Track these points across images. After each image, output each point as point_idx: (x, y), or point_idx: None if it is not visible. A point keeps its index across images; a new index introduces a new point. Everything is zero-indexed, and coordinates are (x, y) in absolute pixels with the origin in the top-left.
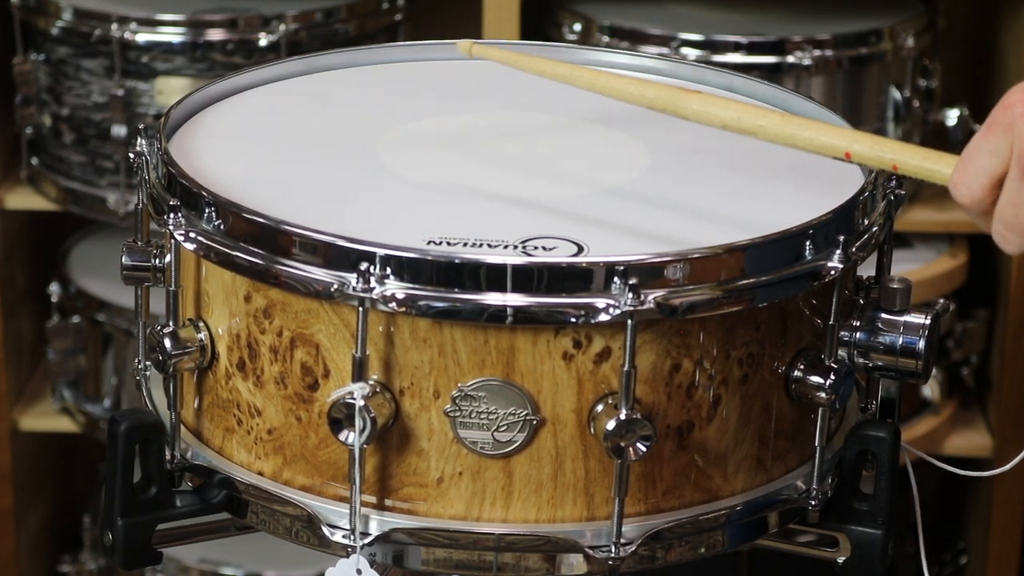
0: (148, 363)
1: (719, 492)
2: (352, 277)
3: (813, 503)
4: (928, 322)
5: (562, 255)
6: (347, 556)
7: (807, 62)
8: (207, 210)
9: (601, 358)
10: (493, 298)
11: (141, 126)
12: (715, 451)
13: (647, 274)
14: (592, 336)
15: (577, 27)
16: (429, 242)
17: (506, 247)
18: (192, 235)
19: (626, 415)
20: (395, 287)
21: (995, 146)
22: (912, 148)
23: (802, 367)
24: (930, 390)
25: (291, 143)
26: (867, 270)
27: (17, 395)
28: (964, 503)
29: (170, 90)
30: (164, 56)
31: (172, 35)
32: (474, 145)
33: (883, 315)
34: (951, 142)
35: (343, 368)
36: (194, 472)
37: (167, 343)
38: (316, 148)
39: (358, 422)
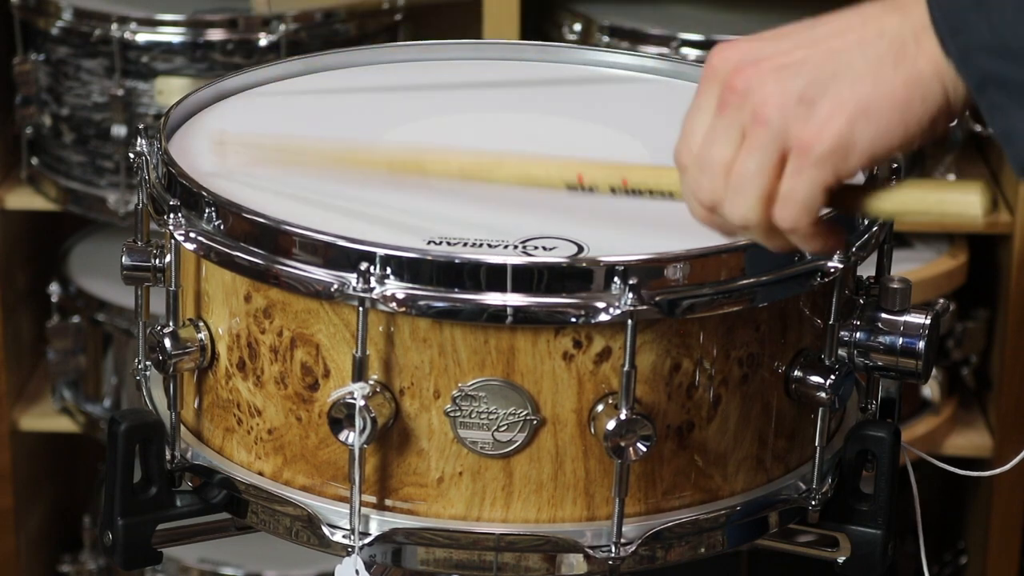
0: (148, 363)
1: (719, 492)
2: (352, 277)
3: (813, 503)
4: (928, 322)
5: (562, 255)
6: (347, 556)
7: None
8: (207, 210)
9: (601, 358)
10: (493, 298)
11: (141, 126)
12: (715, 451)
13: (647, 274)
14: (592, 336)
15: (577, 27)
16: (429, 242)
17: (506, 247)
18: (192, 235)
19: (626, 415)
20: (395, 287)
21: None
22: (640, 167)
23: (802, 367)
24: (930, 390)
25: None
26: (867, 270)
27: (17, 395)
28: (964, 503)
29: (170, 90)
30: (164, 56)
31: (172, 35)
32: (474, 145)
33: (883, 315)
34: (951, 141)
35: (343, 368)
36: (194, 472)
37: (167, 343)
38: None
39: (358, 422)
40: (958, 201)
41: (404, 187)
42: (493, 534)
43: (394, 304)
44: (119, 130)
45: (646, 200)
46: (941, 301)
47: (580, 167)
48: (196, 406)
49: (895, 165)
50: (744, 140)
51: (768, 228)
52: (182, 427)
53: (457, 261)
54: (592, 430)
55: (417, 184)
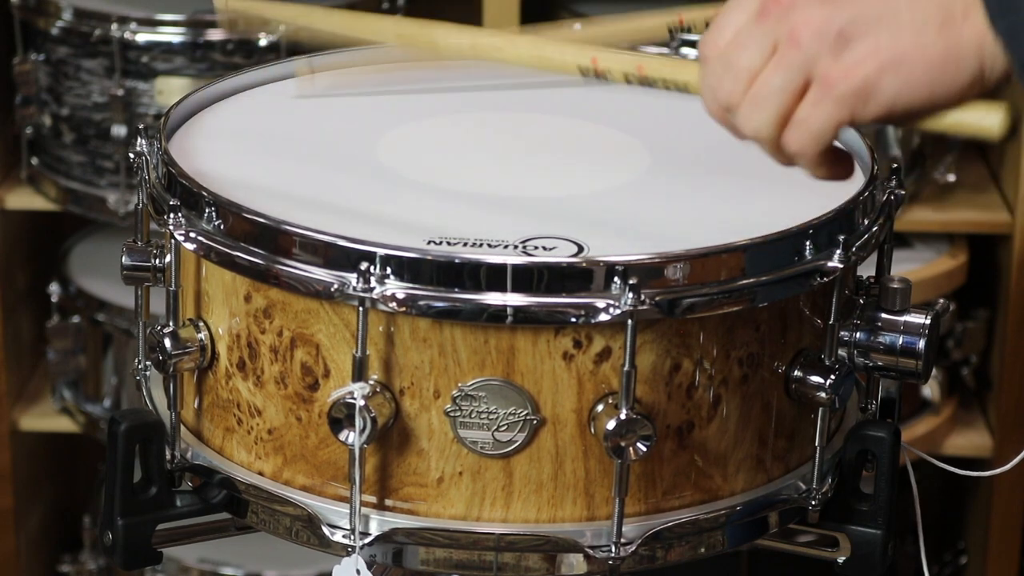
0: (148, 363)
1: (719, 492)
2: (352, 277)
3: (813, 503)
4: (928, 322)
5: (562, 255)
6: (347, 556)
7: None
8: (207, 210)
9: (601, 358)
10: (493, 298)
11: (141, 126)
12: (715, 451)
13: (647, 274)
14: (592, 336)
15: (577, 27)
16: (429, 242)
17: (506, 247)
18: (192, 235)
19: (626, 415)
20: (395, 287)
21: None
22: (660, 58)
23: (802, 367)
24: (930, 390)
25: (291, 143)
26: (867, 270)
27: (17, 395)
28: (964, 503)
29: (170, 90)
30: (164, 56)
31: (172, 35)
32: (474, 145)
33: (883, 315)
34: (950, 140)
35: (343, 368)
36: (194, 472)
37: (167, 343)
38: (316, 148)
39: (358, 422)
40: (979, 112)
41: (404, 187)
42: (493, 534)
43: (394, 304)
44: (119, 130)
45: (659, 91)
46: (941, 301)
47: (595, 51)
48: (196, 406)
49: (895, 166)
50: (774, 55)
51: (776, 145)
52: (182, 427)
53: (457, 261)
54: (592, 430)
55: (417, 184)
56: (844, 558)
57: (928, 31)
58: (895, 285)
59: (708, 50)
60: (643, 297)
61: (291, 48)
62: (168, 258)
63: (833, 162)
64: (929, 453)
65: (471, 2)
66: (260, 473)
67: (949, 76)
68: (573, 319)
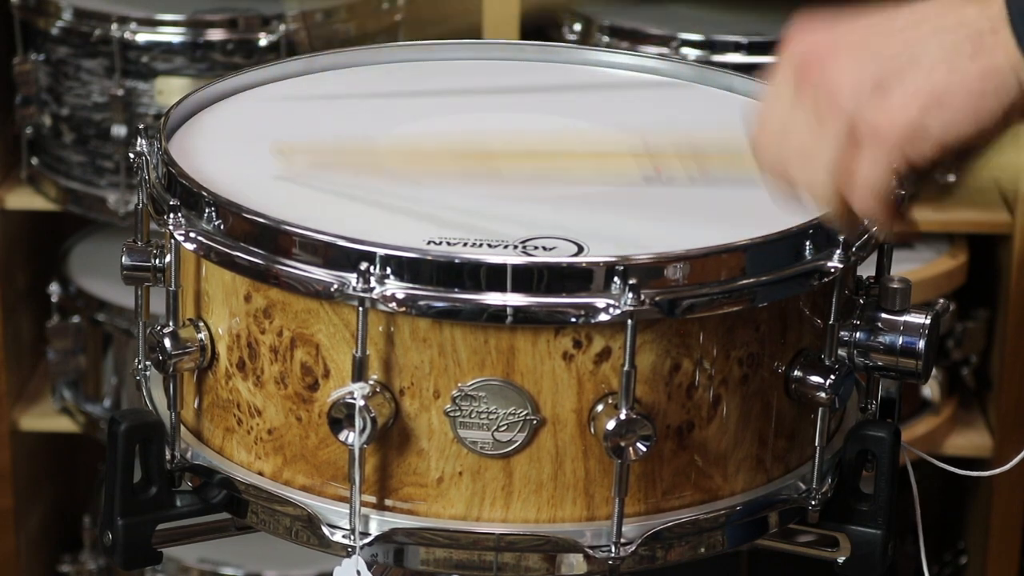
0: (148, 363)
1: (719, 492)
2: (352, 277)
3: (813, 503)
4: (928, 322)
5: (562, 255)
6: (347, 556)
7: None
8: (207, 210)
9: (601, 358)
10: (493, 298)
11: (141, 126)
12: (715, 451)
13: (647, 274)
14: (592, 336)
15: (577, 27)
16: (429, 242)
17: (506, 247)
18: (192, 235)
19: (626, 415)
20: (395, 287)
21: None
22: (717, 154)
23: (802, 367)
24: (930, 390)
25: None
26: (867, 270)
27: (17, 395)
28: (964, 503)
29: (170, 90)
30: (164, 56)
31: (172, 35)
32: (474, 145)
33: (883, 315)
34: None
35: (343, 368)
36: (194, 472)
37: (167, 343)
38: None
39: (358, 422)
40: None
41: (404, 187)
42: (493, 534)
43: (394, 304)
44: (119, 130)
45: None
46: (941, 301)
47: (656, 160)
48: (196, 406)
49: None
50: (818, 125)
51: (848, 212)
52: (182, 427)
53: (457, 261)
54: (592, 430)
55: (417, 184)
56: (844, 558)
57: (961, 60)
58: (895, 285)
59: (762, 148)
60: (643, 297)
61: (291, 48)
62: (168, 258)
63: (905, 218)
64: (929, 453)
65: (471, 2)
66: (260, 473)
67: (990, 99)
68: (573, 319)
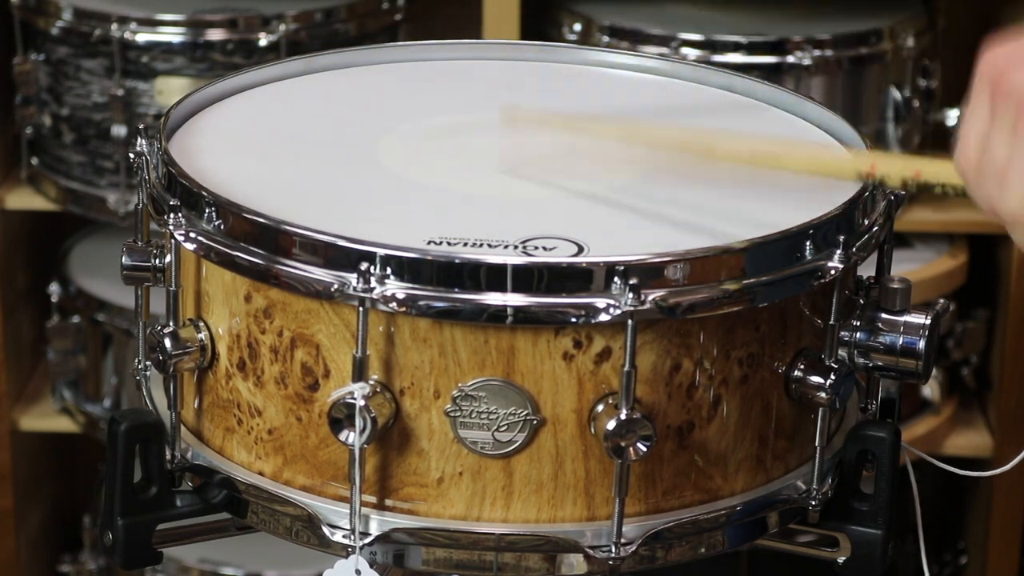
0: (148, 363)
1: (719, 492)
2: (352, 277)
3: (813, 503)
4: (928, 322)
5: (562, 255)
6: (347, 556)
7: (807, 62)
8: (207, 210)
9: (601, 358)
10: (493, 298)
11: (141, 126)
12: (715, 451)
13: (647, 274)
14: (592, 336)
15: (577, 27)
16: (429, 242)
17: (506, 247)
18: (192, 235)
19: (626, 415)
20: (395, 287)
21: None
22: (932, 161)
23: (802, 367)
24: (930, 390)
25: (291, 143)
26: (867, 270)
27: (17, 395)
28: (964, 503)
29: (170, 90)
30: (164, 56)
31: (172, 35)
32: (474, 145)
33: (883, 315)
34: (950, 140)
35: (343, 368)
36: (194, 472)
37: (167, 343)
38: (316, 148)
39: (358, 422)
40: None
41: (404, 187)
42: (493, 534)
43: (394, 304)
44: (119, 130)
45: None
46: (941, 301)
47: (873, 157)
48: (196, 406)
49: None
50: (1014, 139)
51: None
52: (182, 427)
53: (457, 261)
54: (592, 430)
55: (417, 184)
56: (844, 558)
57: None
58: (895, 285)
59: (965, 168)
60: (643, 297)
61: (291, 48)
62: (168, 258)
63: None
64: (929, 453)
65: (471, 2)
66: (260, 473)
67: None
68: (573, 319)
